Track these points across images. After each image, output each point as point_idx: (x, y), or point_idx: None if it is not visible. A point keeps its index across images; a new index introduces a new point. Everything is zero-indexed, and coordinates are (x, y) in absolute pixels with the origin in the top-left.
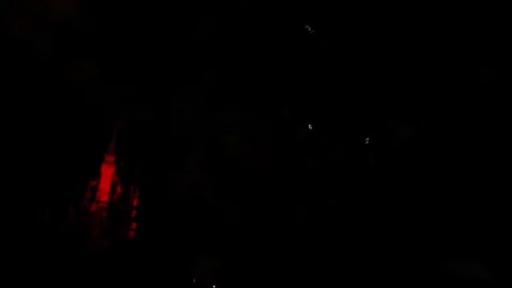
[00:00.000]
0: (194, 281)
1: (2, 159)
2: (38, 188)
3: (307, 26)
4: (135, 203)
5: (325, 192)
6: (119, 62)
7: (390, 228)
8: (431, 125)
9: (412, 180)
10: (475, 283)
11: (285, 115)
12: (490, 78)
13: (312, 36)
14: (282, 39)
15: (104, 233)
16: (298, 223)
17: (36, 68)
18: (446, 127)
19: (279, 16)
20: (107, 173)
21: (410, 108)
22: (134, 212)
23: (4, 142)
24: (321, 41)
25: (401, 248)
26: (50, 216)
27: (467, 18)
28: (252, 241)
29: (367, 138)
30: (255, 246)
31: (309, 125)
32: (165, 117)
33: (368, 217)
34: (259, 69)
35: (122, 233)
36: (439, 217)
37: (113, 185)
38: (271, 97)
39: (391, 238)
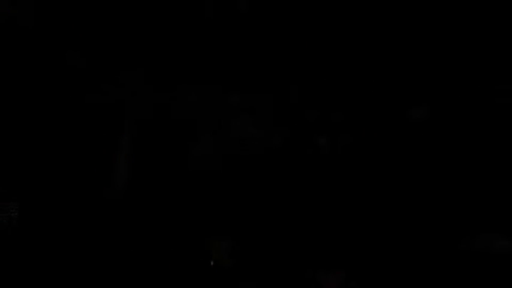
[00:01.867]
0: (212, 263)
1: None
2: (54, 186)
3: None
4: (151, 188)
5: (338, 173)
6: (120, 49)
7: (407, 207)
8: (447, 104)
9: (428, 156)
10: (499, 258)
11: (292, 94)
12: None
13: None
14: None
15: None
16: (312, 204)
17: (36, 60)
18: (463, 107)
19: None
20: (121, 160)
21: (425, 87)
22: (151, 198)
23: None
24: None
25: (420, 225)
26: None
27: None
28: (269, 224)
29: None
30: (272, 229)
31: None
32: (171, 102)
33: (385, 195)
34: (265, 50)
35: (139, 218)
36: (458, 191)
37: (129, 171)
38: (278, 76)
39: (409, 216)
